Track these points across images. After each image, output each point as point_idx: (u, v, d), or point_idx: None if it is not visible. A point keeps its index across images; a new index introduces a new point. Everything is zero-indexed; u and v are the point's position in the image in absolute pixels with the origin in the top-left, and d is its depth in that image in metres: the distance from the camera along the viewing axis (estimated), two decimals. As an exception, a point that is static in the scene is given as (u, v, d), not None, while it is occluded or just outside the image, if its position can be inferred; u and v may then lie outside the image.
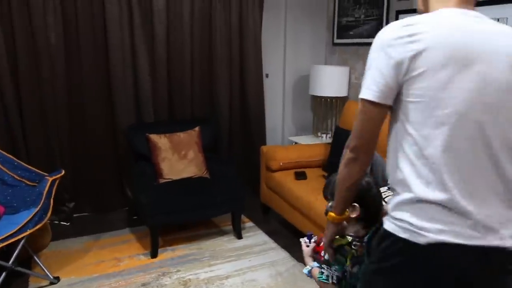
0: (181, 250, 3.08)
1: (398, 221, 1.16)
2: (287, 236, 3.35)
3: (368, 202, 1.51)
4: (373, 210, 1.51)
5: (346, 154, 1.29)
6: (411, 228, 1.12)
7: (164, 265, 2.87)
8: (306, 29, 4.28)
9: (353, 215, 1.49)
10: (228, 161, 3.97)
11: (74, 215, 3.56)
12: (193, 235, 3.30)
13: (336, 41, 4.21)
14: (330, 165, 3.41)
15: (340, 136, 3.53)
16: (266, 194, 3.65)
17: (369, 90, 1.17)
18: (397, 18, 3.40)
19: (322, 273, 1.59)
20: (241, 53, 3.93)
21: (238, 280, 2.71)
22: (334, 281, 1.56)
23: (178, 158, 3.28)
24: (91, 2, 3.31)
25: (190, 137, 3.40)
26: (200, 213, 3.15)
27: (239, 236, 3.27)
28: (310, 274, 1.67)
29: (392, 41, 1.12)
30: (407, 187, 1.14)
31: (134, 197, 3.44)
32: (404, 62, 1.10)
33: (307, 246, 1.75)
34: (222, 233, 3.37)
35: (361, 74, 3.88)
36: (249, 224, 3.55)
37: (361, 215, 1.49)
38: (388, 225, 1.19)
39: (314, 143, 3.89)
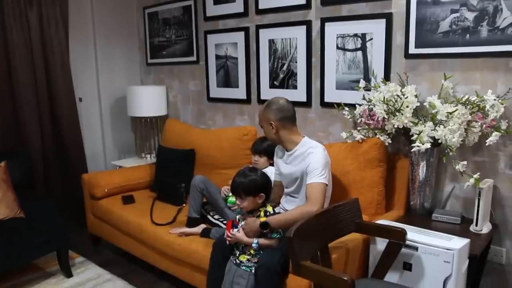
0: (-2, 305, 2.69)
1: None
2: (123, 264, 3.21)
3: (268, 188, 2.20)
4: (269, 193, 2.22)
5: (310, 213, 1.98)
6: None
7: (-22, 327, 2.46)
8: (117, 51, 4.20)
9: (260, 201, 2.14)
10: (46, 196, 3.62)
11: None
12: (12, 284, 2.91)
13: (150, 61, 4.24)
14: (157, 184, 3.41)
15: (164, 155, 3.57)
16: (94, 224, 3.44)
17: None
18: (205, 38, 3.61)
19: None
20: (48, 77, 3.63)
21: (72, 323, 2.49)
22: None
23: (-17, 201, 2.86)
24: None
25: (-5, 174, 2.99)
26: (17, 259, 2.78)
27: (69, 275, 3.00)
28: (258, 245, 2.11)
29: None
30: None
31: None
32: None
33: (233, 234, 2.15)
34: (48, 275, 3.04)
35: (178, 92, 4.00)
36: (79, 259, 3.28)
37: (264, 199, 2.16)
38: None
39: (138, 165, 3.83)
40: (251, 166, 2.46)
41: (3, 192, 2.96)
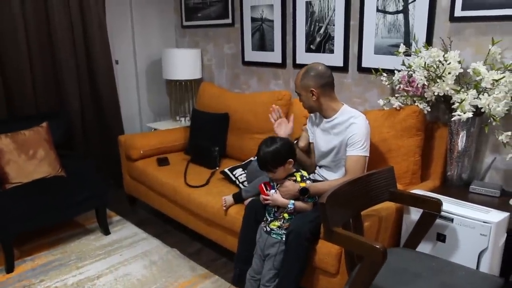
0: (43, 258, 2.84)
1: None
2: (157, 224, 3.32)
3: (294, 152, 2.17)
4: (295, 155, 2.19)
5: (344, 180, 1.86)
6: None
7: (24, 277, 2.62)
8: (153, 12, 4.18)
9: (290, 166, 2.14)
10: (85, 155, 3.73)
11: None
12: (54, 239, 3.06)
13: (185, 23, 4.21)
14: (191, 147, 3.45)
15: (198, 118, 3.59)
16: (130, 185, 3.54)
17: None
18: (241, 0, 3.53)
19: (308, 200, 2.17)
20: (86, 37, 3.66)
21: (110, 277, 2.61)
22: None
23: (26, 159, 2.98)
24: None
25: (37, 134, 3.09)
26: (59, 215, 2.91)
27: (107, 232, 3.13)
28: (294, 206, 2.13)
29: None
30: None
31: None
32: None
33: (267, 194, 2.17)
34: (88, 231, 3.19)
35: (213, 55, 3.97)
36: (116, 218, 3.41)
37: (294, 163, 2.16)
38: None
39: (173, 128, 3.88)
40: (269, 137, 2.25)
41: (46, 151, 3.07)
